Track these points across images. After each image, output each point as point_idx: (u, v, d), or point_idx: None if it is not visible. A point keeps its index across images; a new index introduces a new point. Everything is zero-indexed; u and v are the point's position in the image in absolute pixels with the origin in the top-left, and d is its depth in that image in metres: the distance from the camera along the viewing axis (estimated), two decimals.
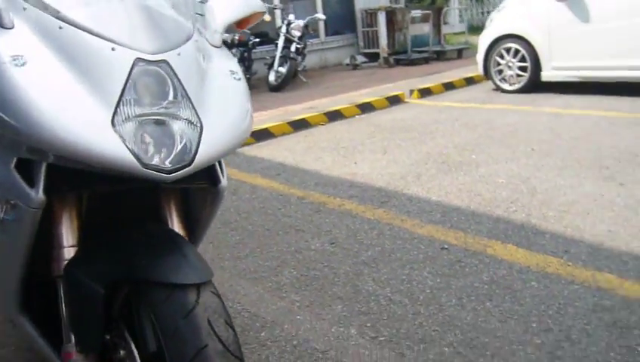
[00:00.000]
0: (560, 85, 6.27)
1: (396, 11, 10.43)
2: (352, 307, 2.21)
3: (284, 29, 8.11)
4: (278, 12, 9.18)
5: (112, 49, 1.08)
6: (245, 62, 8.14)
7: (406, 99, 6.72)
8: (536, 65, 6.29)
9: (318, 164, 4.24)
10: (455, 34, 13.02)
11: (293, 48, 8.03)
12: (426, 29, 10.48)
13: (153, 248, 1.15)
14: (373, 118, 5.91)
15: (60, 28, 1.08)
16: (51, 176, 1.12)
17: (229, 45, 1.43)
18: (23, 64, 1.03)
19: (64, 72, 1.05)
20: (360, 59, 10.18)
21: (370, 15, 10.55)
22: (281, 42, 8.03)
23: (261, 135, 5.26)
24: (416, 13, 10.38)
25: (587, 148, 4.04)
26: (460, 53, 10.65)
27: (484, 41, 6.78)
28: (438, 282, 2.35)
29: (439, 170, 3.84)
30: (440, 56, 10.61)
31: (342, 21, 11.02)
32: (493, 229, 2.82)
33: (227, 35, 1.41)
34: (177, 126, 1.09)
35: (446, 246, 2.67)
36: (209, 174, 1.29)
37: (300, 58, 8.32)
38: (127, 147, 1.02)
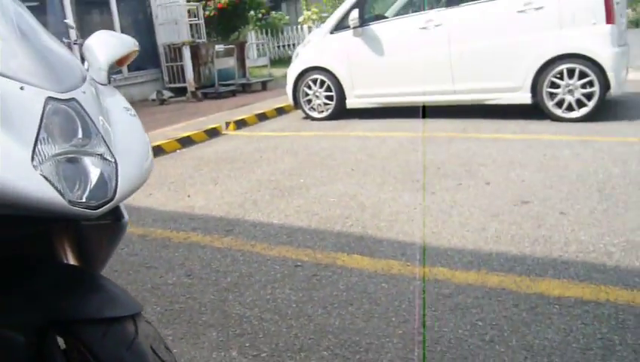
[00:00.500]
0: (364, 111, 6.95)
1: (200, 46, 10.58)
2: (227, 331, 2.26)
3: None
4: (76, 47, 8.70)
5: (21, 88, 1.06)
6: None
7: (223, 132, 6.86)
8: (341, 95, 6.91)
9: (150, 201, 4.16)
10: (257, 67, 13.55)
11: None
12: (230, 62, 10.77)
13: (72, 286, 1.12)
14: (195, 151, 5.94)
15: None
16: None
17: None
18: None
19: None
20: (167, 93, 10.09)
21: (174, 50, 10.55)
22: None
23: None
24: (220, 47, 10.63)
25: (398, 165, 4.58)
26: (264, 85, 11.14)
27: (292, 73, 7.24)
28: (300, 296, 2.50)
29: (273, 196, 4.04)
30: (246, 88, 10.99)
31: (144, 56, 10.79)
32: (337, 243, 3.07)
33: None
34: (95, 162, 1.10)
35: (299, 264, 2.84)
36: (113, 210, 1.29)
37: None
38: (53, 186, 1.00)
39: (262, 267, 2.85)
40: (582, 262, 2.58)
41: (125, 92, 10.23)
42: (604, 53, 5.40)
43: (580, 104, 5.62)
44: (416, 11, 6.74)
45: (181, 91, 10.34)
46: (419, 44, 6.29)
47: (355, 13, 6.46)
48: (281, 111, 8.04)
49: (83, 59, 1.44)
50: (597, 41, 5.41)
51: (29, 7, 1.33)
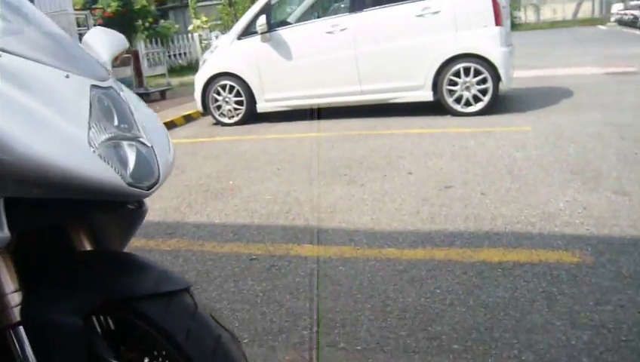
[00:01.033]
0: (274, 115, 7.09)
1: None
2: None
3: None
4: None
5: (67, 76, 1.11)
6: None
7: None
8: (251, 99, 7.01)
9: None
10: (153, 76, 13.24)
11: None
12: (128, 72, 10.47)
13: (122, 266, 1.18)
14: None
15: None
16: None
17: None
18: None
19: (26, 101, 1.03)
20: None
21: None
22: None
23: None
24: None
25: (321, 163, 4.78)
26: (163, 94, 10.94)
27: (200, 80, 7.23)
28: (264, 286, 2.61)
29: (207, 198, 4.08)
30: (144, 98, 10.71)
31: None
32: (285, 236, 3.20)
33: None
34: (138, 146, 1.17)
35: (254, 257, 2.94)
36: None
37: None
38: (113, 168, 1.06)
39: (217, 264, 2.91)
40: (511, 233, 2.91)
41: None
42: (495, 52, 5.97)
43: (477, 99, 6.15)
44: (319, 17, 7.02)
45: None
46: (326, 48, 6.55)
47: (262, 19, 6.59)
48: (189, 118, 7.98)
49: None
50: (488, 41, 5.96)
51: None
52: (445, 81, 6.17)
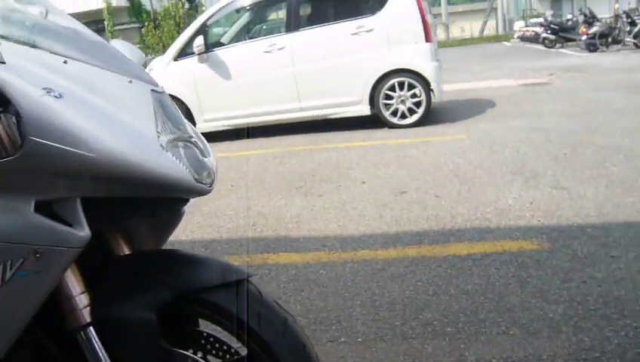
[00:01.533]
0: (215, 135, 7.11)
1: None
2: None
3: None
4: None
5: (130, 82, 1.19)
6: None
7: None
8: (190, 120, 6.99)
9: None
10: None
11: None
12: None
13: (183, 262, 1.25)
14: None
15: (65, 62, 1.12)
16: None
17: None
18: (60, 96, 1.00)
19: (98, 102, 1.08)
20: None
21: None
22: None
23: None
24: None
25: (274, 177, 4.89)
26: None
27: None
28: None
29: None
30: None
31: None
32: (258, 247, 3.29)
33: None
34: (195, 146, 1.26)
35: None
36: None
37: None
38: (183, 165, 1.15)
39: None
40: (471, 228, 3.15)
41: None
42: (426, 67, 6.35)
43: (411, 111, 6.50)
44: (253, 37, 7.17)
45: None
46: (264, 67, 6.69)
47: (200, 40, 6.65)
48: None
49: None
50: (420, 57, 6.34)
51: None
52: (381, 95, 6.48)
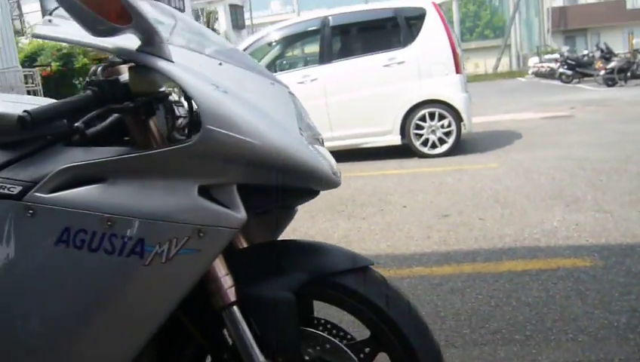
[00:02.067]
0: None
1: None
2: None
3: None
4: None
5: (272, 83, 1.34)
6: None
7: None
8: None
9: None
10: None
11: None
12: None
13: (312, 249, 1.37)
14: None
15: (220, 64, 1.25)
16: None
17: None
18: (226, 91, 1.13)
19: (252, 100, 1.19)
20: None
21: None
22: None
23: None
24: None
25: (314, 201, 4.99)
26: None
27: None
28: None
29: None
30: None
31: None
32: None
33: None
34: (322, 145, 1.40)
35: None
36: None
37: None
38: (324, 159, 1.28)
39: None
40: (522, 247, 3.25)
41: None
42: (457, 98, 6.53)
43: (442, 141, 6.65)
44: (286, 69, 7.42)
45: None
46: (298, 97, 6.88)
47: None
48: None
49: None
50: (450, 88, 6.52)
51: None
52: (412, 125, 6.64)
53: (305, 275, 1.28)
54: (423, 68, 6.54)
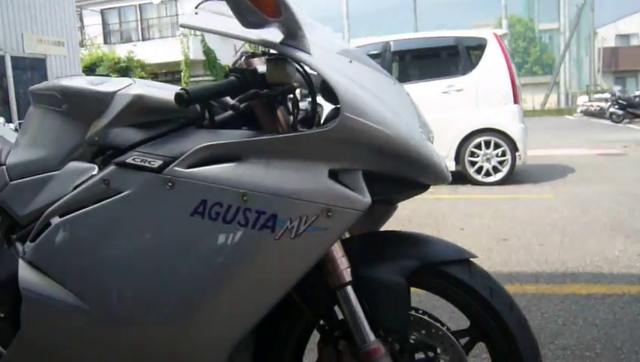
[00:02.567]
0: None
1: None
2: None
3: None
4: None
5: (394, 83, 1.48)
6: None
7: None
8: None
9: None
10: None
11: None
12: None
13: (421, 239, 1.47)
14: None
15: (350, 62, 1.36)
16: None
17: None
18: (360, 84, 1.25)
19: (381, 95, 1.29)
20: None
21: None
22: None
23: None
24: None
25: None
26: None
27: None
28: None
29: None
30: None
31: None
32: None
33: None
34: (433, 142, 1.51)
35: None
36: None
37: None
38: (437, 156, 1.39)
39: None
40: (585, 272, 3.30)
41: None
42: (514, 128, 6.59)
43: (496, 170, 6.70)
44: None
45: None
46: None
47: None
48: None
49: None
50: (508, 118, 6.59)
51: None
52: (467, 152, 6.72)
53: (415, 263, 1.37)
54: (482, 96, 6.64)
